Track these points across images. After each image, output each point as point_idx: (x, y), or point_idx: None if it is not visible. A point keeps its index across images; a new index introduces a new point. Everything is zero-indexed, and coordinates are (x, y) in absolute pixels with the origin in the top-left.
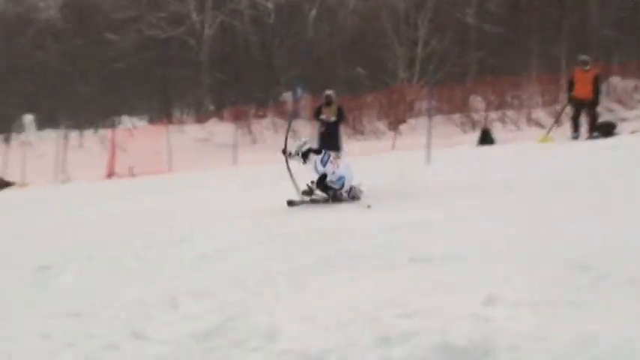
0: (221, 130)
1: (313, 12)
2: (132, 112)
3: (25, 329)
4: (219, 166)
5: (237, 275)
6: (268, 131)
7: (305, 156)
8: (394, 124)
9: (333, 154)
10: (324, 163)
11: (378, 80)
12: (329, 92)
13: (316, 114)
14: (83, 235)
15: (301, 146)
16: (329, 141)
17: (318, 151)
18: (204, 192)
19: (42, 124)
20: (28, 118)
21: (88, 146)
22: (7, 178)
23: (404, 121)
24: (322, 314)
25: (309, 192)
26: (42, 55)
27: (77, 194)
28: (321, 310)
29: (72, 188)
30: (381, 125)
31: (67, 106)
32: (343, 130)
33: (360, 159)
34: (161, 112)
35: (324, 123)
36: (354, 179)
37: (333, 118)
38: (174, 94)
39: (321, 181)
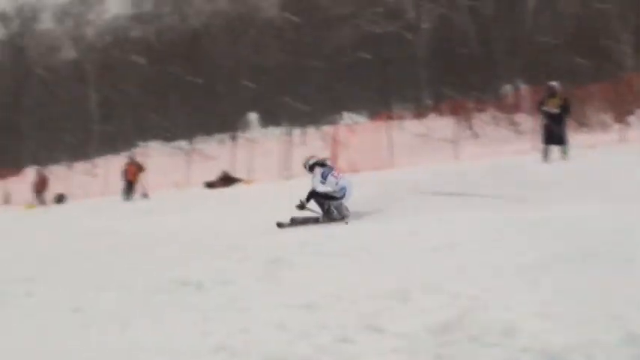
0: (440, 125)
1: (533, 0)
2: (352, 108)
3: (260, 320)
4: (440, 162)
5: (467, 270)
6: (489, 126)
7: (311, 169)
8: (621, 116)
9: (334, 169)
10: (324, 177)
11: (602, 69)
12: (553, 83)
13: (540, 105)
14: (314, 229)
15: (308, 160)
16: (553, 133)
17: (322, 164)
18: None
19: (266, 121)
20: (253, 116)
21: (310, 143)
22: (235, 174)
23: (631, 113)
24: (560, 310)
25: (300, 206)
26: (264, 54)
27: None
28: (559, 307)
29: (295, 185)
30: (607, 117)
31: (289, 103)
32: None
33: (586, 151)
34: (380, 108)
35: (547, 115)
36: (352, 195)
37: (556, 110)
38: (392, 89)
39: (314, 195)
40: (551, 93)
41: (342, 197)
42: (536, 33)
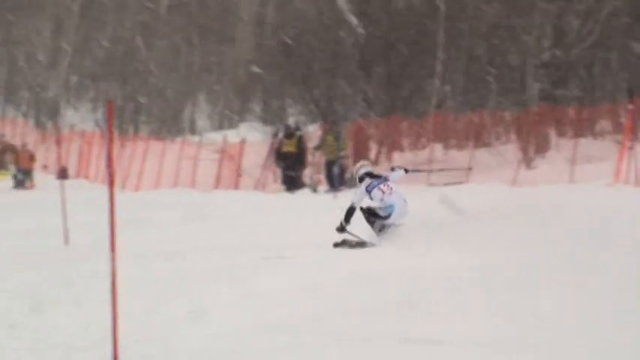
0: None
1: None
2: None
3: None
4: None
5: None
6: None
7: (361, 180)
8: None
9: (386, 181)
10: (369, 190)
11: None
12: None
13: None
14: None
15: (358, 169)
16: None
17: (373, 176)
18: None
19: None
20: None
21: None
22: None
23: None
24: None
25: (340, 229)
26: None
27: None
28: None
29: None
30: None
31: None
32: None
33: None
34: None
35: None
36: (405, 216)
37: None
38: None
39: (356, 211)
40: None
41: (386, 217)
42: None
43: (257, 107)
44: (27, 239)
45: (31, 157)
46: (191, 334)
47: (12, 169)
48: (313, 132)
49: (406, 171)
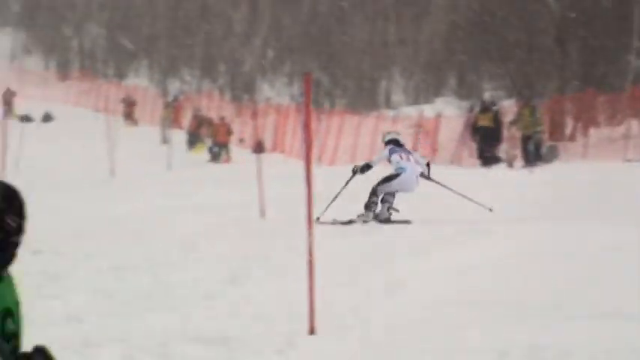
0: None
1: None
2: None
3: None
4: None
5: None
6: None
7: (387, 144)
8: None
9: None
10: (391, 154)
11: None
12: None
13: None
14: None
15: (385, 135)
16: None
17: (399, 144)
18: None
19: None
20: None
21: None
22: None
23: None
24: None
25: (354, 170)
26: None
27: None
28: None
29: None
30: None
31: None
32: None
33: None
34: None
35: None
36: (412, 186)
37: None
38: None
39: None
40: None
41: (396, 176)
42: None
43: (453, 82)
44: (223, 213)
45: (228, 131)
46: (387, 306)
47: (208, 142)
48: (509, 107)
49: (428, 165)
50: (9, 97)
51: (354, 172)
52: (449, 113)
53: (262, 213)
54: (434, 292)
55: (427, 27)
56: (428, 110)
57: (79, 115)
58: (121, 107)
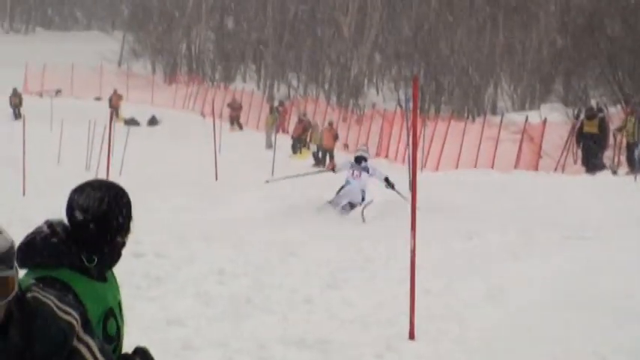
0: None
1: None
2: None
3: None
4: None
5: None
6: None
7: (356, 160)
8: None
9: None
10: (348, 167)
11: None
12: None
13: None
14: None
15: (356, 151)
16: None
17: (363, 161)
18: None
19: None
20: None
21: None
22: None
23: None
24: None
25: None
26: None
27: None
28: None
29: None
30: None
31: None
32: None
33: None
34: None
35: None
36: (354, 197)
37: None
38: None
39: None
40: None
41: (342, 188)
42: None
43: (559, 88)
44: (324, 216)
45: (335, 137)
46: (486, 311)
47: (313, 147)
48: (616, 114)
49: (387, 180)
50: (116, 101)
51: (334, 171)
52: (554, 119)
53: (363, 218)
54: (531, 297)
55: (536, 33)
56: (533, 116)
57: (184, 119)
58: (227, 111)
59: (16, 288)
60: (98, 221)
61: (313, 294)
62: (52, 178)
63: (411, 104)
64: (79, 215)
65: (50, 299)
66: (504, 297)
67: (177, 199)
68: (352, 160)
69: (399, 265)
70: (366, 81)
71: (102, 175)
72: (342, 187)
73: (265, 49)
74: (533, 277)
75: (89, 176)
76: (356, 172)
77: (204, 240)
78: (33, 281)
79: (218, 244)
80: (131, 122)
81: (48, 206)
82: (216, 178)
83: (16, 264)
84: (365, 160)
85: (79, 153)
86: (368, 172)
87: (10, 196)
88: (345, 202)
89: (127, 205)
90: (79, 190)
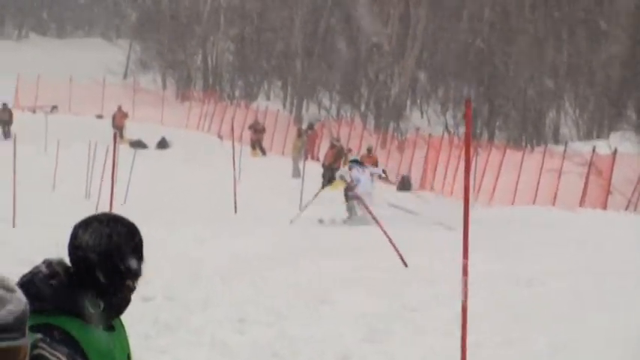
0: None
1: None
2: None
3: None
4: None
5: None
6: None
7: (350, 167)
8: None
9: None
10: (350, 168)
11: None
12: None
13: None
14: None
15: (349, 161)
16: None
17: (359, 164)
18: None
19: None
20: None
21: None
22: None
23: None
24: None
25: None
26: None
27: None
28: None
29: None
30: None
31: None
32: None
33: None
34: None
35: None
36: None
37: None
38: None
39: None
40: None
41: (355, 187)
42: None
43: (632, 114)
44: (358, 257)
45: (374, 165)
46: None
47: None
48: None
49: (384, 172)
50: (120, 120)
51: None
52: (626, 150)
53: (403, 259)
54: (601, 356)
55: (604, 49)
56: (602, 146)
57: (199, 141)
58: (248, 134)
59: (28, 355)
60: (105, 262)
61: (349, 348)
62: (47, 207)
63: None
64: (83, 254)
65: (58, 357)
66: (569, 355)
67: (190, 233)
68: (353, 165)
69: (446, 313)
70: (408, 102)
71: (103, 205)
72: (348, 188)
73: (292, 63)
74: (604, 332)
75: (88, 205)
76: (359, 169)
77: (221, 280)
78: (40, 335)
79: (237, 284)
80: (137, 144)
81: (42, 240)
82: (235, 210)
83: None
84: (358, 162)
85: (77, 179)
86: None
87: None
88: (363, 201)
89: (139, 244)
90: (84, 226)
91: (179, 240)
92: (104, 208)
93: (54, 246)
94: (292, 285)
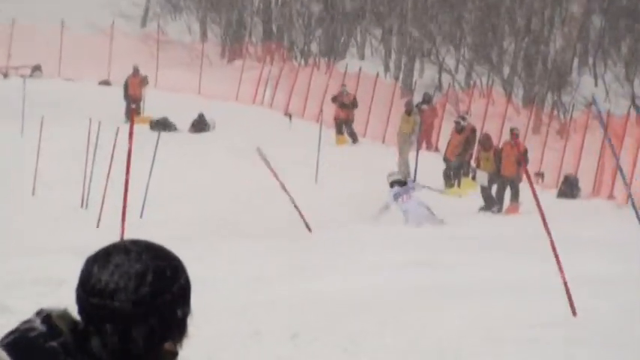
0: None
1: None
2: None
3: None
4: None
5: None
6: None
7: (392, 186)
8: None
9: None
10: (395, 198)
11: None
12: None
13: None
14: None
15: (389, 176)
16: None
17: (401, 184)
18: None
19: None
20: None
21: None
22: None
23: None
24: None
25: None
26: None
27: None
28: None
29: None
30: None
31: None
32: None
33: None
34: None
35: None
36: (422, 219)
37: None
38: None
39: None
40: None
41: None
42: None
43: None
44: (520, 297)
45: (518, 160)
46: None
47: (482, 177)
48: None
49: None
50: (136, 89)
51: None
52: None
53: (572, 307)
54: None
55: None
56: None
57: (255, 120)
58: (330, 109)
59: None
60: (137, 316)
61: None
62: (25, 219)
63: None
64: (102, 304)
65: None
66: None
67: (242, 263)
68: (394, 187)
69: None
70: (576, 62)
71: (108, 218)
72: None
73: (398, 4)
74: None
75: (86, 218)
76: (404, 196)
77: (291, 338)
78: None
79: (320, 346)
80: (162, 125)
81: (21, 272)
82: (309, 228)
83: None
84: (402, 182)
85: (69, 176)
86: (412, 189)
87: None
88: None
89: (186, 286)
90: (102, 259)
91: (227, 273)
92: (110, 223)
93: (38, 277)
94: (418, 350)
